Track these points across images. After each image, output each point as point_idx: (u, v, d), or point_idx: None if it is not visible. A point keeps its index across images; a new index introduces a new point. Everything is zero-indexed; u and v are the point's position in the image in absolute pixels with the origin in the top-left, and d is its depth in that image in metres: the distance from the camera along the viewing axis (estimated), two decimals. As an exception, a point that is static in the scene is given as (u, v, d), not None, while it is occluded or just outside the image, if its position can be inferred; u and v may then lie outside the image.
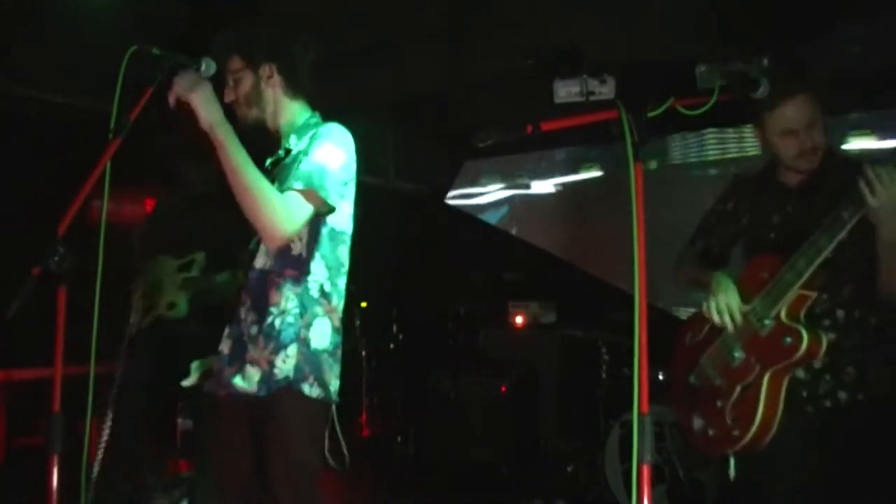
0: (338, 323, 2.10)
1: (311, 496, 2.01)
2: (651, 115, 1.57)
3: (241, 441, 2.07)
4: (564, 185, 6.23)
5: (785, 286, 2.02)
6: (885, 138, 4.61)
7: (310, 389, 1.99)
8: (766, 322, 2.05)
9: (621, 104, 1.55)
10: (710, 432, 2.17)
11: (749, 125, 2.30)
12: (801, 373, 2.08)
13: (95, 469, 3.01)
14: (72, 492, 1.80)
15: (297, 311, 2.01)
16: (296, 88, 2.16)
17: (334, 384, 2.07)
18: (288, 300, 2.02)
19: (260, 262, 2.08)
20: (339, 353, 2.10)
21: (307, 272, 2.04)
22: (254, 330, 2.03)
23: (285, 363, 1.98)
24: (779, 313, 2.03)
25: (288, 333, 1.99)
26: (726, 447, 2.11)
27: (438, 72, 4.59)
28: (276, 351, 1.99)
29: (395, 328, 5.93)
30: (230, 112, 2.02)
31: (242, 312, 2.09)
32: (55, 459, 1.63)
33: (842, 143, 4.58)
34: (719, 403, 2.13)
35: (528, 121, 1.65)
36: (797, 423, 2.05)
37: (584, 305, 5.32)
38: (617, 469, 3.90)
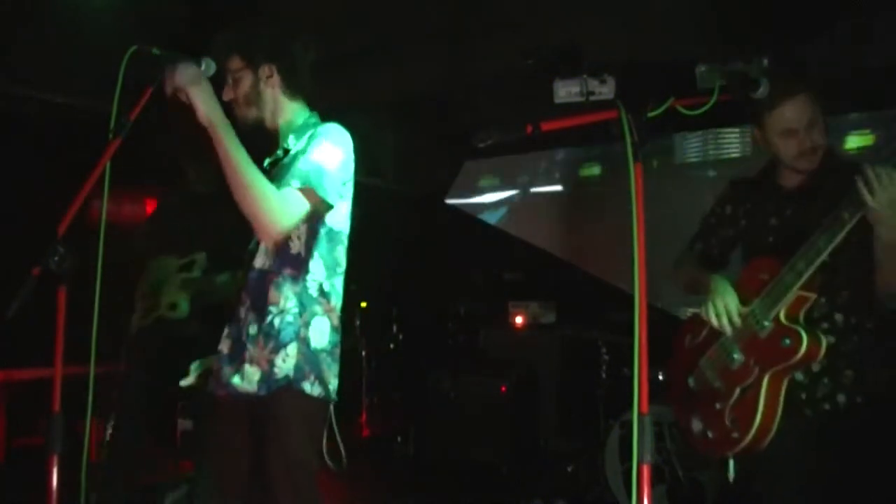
0: (336, 322, 2.10)
1: (310, 496, 2.00)
2: (651, 115, 1.57)
3: (240, 441, 2.07)
4: (564, 184, 6.23)
5: (784, 288, 2.01)
6: (885, 138, 4.62)
7: (310, 388, 1.99)
8: (766, 324, 2.05)
9: (621, 104, 1.55)
10: (710, 434, 2.17)
11: (749, 125, 2.29)
12: (799, 376, 2.08)
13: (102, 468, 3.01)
14: (72, 492, 1.80)
15: (296, 310, 2.01)
16: (295, 89, 2.16)
17: (333, 383, 2.07)
18: (287, 299, 2.02)
19: (259, 261, 2.09)
20: (338, 352, 2.10)
21: (306, 271, 2.04)
22: (253, 329, 2.04)
23: (285, 362, 1.98)
24: (778, 315, 2.03)
25: (287, 333, 2.00)
26: (726, 449, 2.11)
27: (438, 72, 4.59)
28: (276, 350, 1.99)
29: (395, 328, 5.93)
30: (228, 112, 2.02)
31: (242, 312, 2.09)
32: (55, 459, 1.63)
33: (842, 143, 4.59)
34: (718, 405, 2.13)
35: (528, 121, 1.64)
36: (796, 425, 2.05)
37: (584, 305, 5.32)
38: (617, 469, 3.90)
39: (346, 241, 2.14)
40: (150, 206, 4.68)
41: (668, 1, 3.58)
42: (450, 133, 5.71)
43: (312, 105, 2.21)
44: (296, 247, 2.05)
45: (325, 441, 2.07)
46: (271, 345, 1.99)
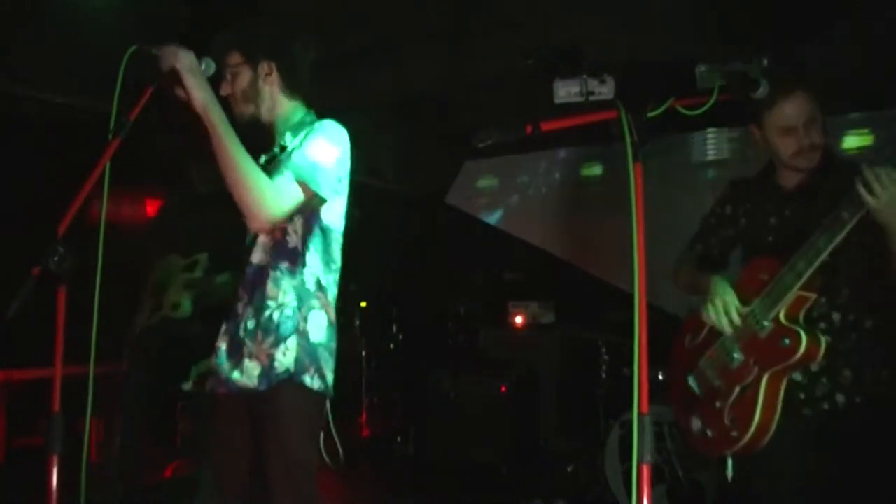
0: (332, 317, 2.10)
1: (310, 496, 2.00)
2: (651, 115, 1.57)
3: (240, 441, 2.07)
4: (564, 184, 6.23)
5: (784, 288, 2.02)
6: (884, 138, 4.62)
7: (311, 381, 2.00)
8: (765, 324, 2.05)
9: (621, 104, 1.55)
10: (709, 433, 2.17)
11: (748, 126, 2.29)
12: (798, 375, 2.08)
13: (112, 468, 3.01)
14: (72, 492, 1.80)
15: (294, 304, 2.02)
16: (293, 88, 2.16)
17: (330, 377, 2.07)
18: (285, 293, 2.02)
19: (256, 257, 2.09)
20: (334, 347, 2.10)
21: (303, 265, 2.05)
22: (251, 324, 2.04)
23: (285, 356, 1.98)
24: (778, 315, 2.03)
25: (287, 327, 2.00)
26: (725, 448, 2.11)
27: (438, 72, 4.59)
28: (276, 344, 1.99)
29: (395, 328, 5.93)
30: (225, 109, 2.02)
31: (240, 308, 2.09)
32: (55, 459, 1.63)
33: (841, 142, 4.59)
34: (718, 404, 2.13)
35: (528, 121, 1.64)
36: (795, 424, 2.05)
37: (583, 305, 5.32)
38: (617, 469, 3.90)
39: (341, 239, 2.15)
40: (150, 206, 4.68)
41: (668, 1, 3.58)
42: (450, 133, 5.70)
43: (310, 104, 2.21)
44: (293, 241, 2.05)
45: (322, 438, 2.07)
46: (271, 339, 1.99)
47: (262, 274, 2.06)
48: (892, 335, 2.09)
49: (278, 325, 2.00)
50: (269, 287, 2.03)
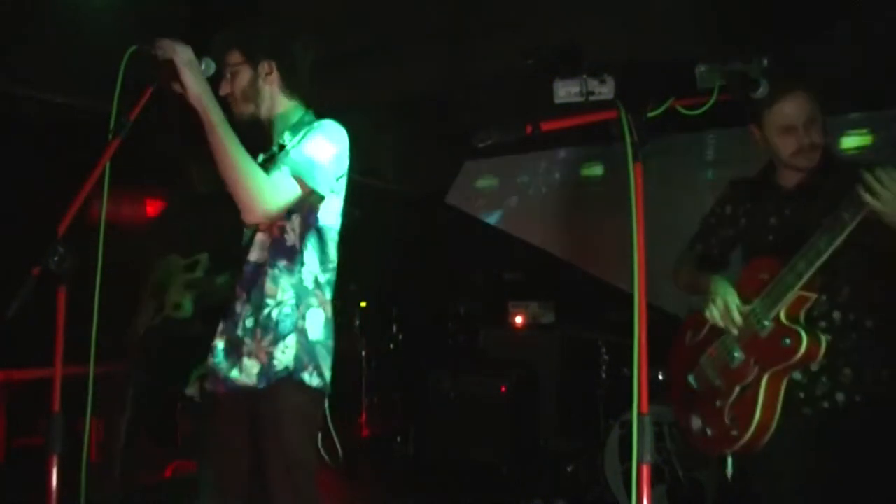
0: (330, 315, 2.11)
1: (310, 496, 2.01)
2: (651, 115, 1.57)
3: (240, 441, 2.07)
4: (564, 185, 6.23)
5: (785, 288, 2.02)
6: (884, 138, 4.62)
7: (310, 378, 2.00)
8: (766, 323, 2.05)
9: (621, 104, 1.55)
10: (709, 432, 2.17)
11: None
12: (798, 374, 2.08)
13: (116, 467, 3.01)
14: (72, 492, 1.80)
15: (293, 301, 2.02)
16: (293, 88, 2.16)
17: (329, 375, 2.08)
18: (284, 291, 2.02)
19: (254, 255, 2.09)
20: (332, 344, 2.10)
21: (301, 262, 2.05)
22: (250, 322, 2.04)
23: (285, 354, 1.98)
24: (778, 315, 2.03)
25: (286, 324, 2.00)
26: (724, 447, 2.11)
27: (438, 72, 4.59)
28: (275, 342, 1.99)
29: (395, 328, 5.93)
30: (224, 109, 2.02)
31: (238, 306, 2.09)
32: (55, 459, 1.63)
33: (840, 142, 4.59)
34: (718, 403, 2.13)
35: (528, 121, 1.64)
36: (795, 423, 2.05)
37: (583, 305, 5.32)
38: (617, 469, 3.90)
39: (336, 238, 2.15)
40: (151, 206, 4.68)
41: (668, 1, 3.58)
42: (450, 133, 5.70)
43: (309, 104, 2.21)
44: (291, 239, 2.05)
45: (321, 437, 2.07)
46: (270, 337, 2.00)
47: (260, 272, 2.06)
48: (892, 335, 2.09)
49: (277, 323, 2.00)
50: (268, 285, 2.03)
